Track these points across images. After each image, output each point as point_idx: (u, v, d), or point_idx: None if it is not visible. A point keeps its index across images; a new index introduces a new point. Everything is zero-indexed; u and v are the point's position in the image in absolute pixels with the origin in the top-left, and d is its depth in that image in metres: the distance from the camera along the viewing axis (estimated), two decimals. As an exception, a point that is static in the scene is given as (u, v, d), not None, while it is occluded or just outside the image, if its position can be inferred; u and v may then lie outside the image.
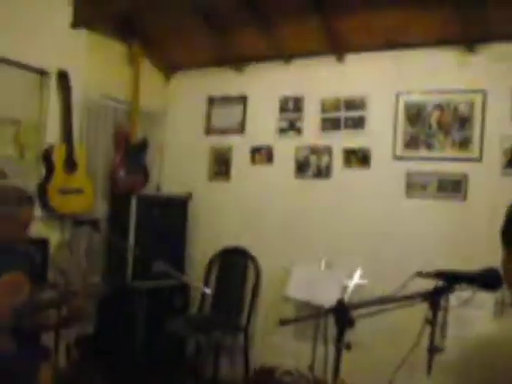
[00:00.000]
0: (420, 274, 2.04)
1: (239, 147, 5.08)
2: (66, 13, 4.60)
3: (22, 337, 2.84)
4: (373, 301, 2.14)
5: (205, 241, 5.14)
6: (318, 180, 4.67)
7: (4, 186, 3.66)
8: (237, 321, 4.75)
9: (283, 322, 2.50)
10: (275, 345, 4.70)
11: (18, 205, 2.86)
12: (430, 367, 2.71)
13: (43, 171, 4.46)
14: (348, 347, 2.15)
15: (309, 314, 4.02)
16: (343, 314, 2.12)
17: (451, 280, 1.94)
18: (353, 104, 4.54)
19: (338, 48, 4.58)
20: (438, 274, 1.95)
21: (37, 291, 3.11)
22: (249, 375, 4.69)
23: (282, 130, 4.86)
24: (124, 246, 4.37)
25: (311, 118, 4.73)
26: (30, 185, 4.31)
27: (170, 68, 5.52)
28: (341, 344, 2.14)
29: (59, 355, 4.20)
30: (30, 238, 3.90)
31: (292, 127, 4.81)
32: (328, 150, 4.63)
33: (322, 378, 3.81)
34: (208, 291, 3.96)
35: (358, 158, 4.49)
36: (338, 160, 4.59)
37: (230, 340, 4.84)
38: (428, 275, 1.96)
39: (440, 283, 1.96)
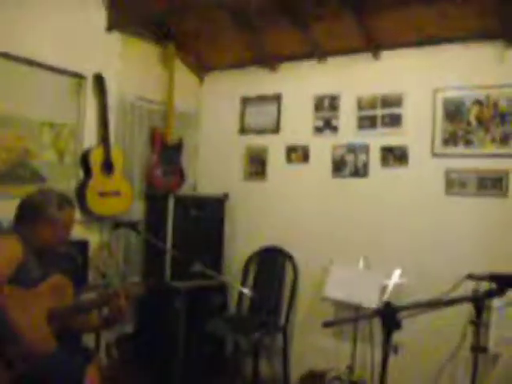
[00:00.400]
0: (471, 277, 2.01)
1: (275, 146, 5.06)
2: (100, 17, 4.65)
3: (65, 339, 2.87)
4: (421, 303, 2.11)
5: (242, 240, 5.15)
6: (355, 179, 4.62)
7: (44, 190, 3.70)
8: (275, 321, 4.74)
9: (327, 324, 2.47)
10: (314, 345, 4.69)
11: (59, 208, 2.89)
12: (474, 368, 2.68)
13: (81, 174, 4.51)
14: (395, 351, 2.12)
15: (354, 316, 3.97)
16: (390, 316, 2.09)
17: (504, 283, 1.90)
18: (389, 101, 4.49)
19: (374, 45, 4.52)
20: (491, 277, 1.91)
21: (79, 293, 3.15)
22: (288, 376, 4.69)
23: (318, 129, 4.83)
24: (162, 246, 4.39)
25: (347, 116, 4.69)
26: (69, 188, 4.37)
27: (203, 68, 5.53)
28: (388, 347, 2.12)
29: (100, 355, 4.28)
30: (71, 241, 3.97)
31: (328, 126, 4.78)
32: (365, 149, 4.58)
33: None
34: (248, 293, 3.96)
35: (396, 156, 4.44)
36: (375, 158, 4.55)
37: (269, 340, 4.84)
38: (480, 278, 1.92)
39: (491, 286, 1.92)
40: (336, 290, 4.22)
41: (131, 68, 4.90)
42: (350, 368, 4.18)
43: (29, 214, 2.85)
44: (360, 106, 4.63)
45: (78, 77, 4.55)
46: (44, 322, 2.72)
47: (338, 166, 4.70)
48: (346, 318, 3.99)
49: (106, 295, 3.07)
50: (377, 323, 2.46)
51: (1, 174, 4.00)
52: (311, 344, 4.71)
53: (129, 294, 3.04)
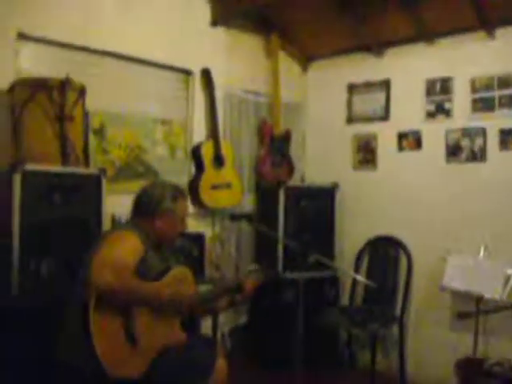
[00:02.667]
0: None
1: (384, 134, 4.94)
2: (205, 13, 4.72)
3: (189, 329, 2.93)
4: None
5: (353, 230, 5.06)
6: (471, 164, 4.43)
7: (158, 183, 3.79)
8: (391, 312, 4.64)
9: (462, 315, 2.38)
10: (431, 336, 4.56)
11: (174, 200, 2.91)
12: None
13: (193, 168, 4.59)
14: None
15: (492, 307, 3.80)
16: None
17: None
18: (508, 81, 4.26)
19: (487, 23, 4.31)
20: None
21: (196, 285, 3.20)
22: (404, 368, 4.58)
23: (430, 114, 4.66)
24: (280, 238, 4.40)
25: (461, 99, 4.50)
26: (181, 182, 4.45)
27: (307, 57, 5.48)
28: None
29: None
30: (186, 234, 4.04)
31: (440, 110, 4.60)
32: (482, 132, 4.38)
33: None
34: (366, 281, 3.89)
35: (517, 138, 4.22)
36: (493, 142, 4.33)
37: (384, 331, 4.73)
38: None
39: None
40: (455, 279, 4.06)
41: (236, 61, 4.93)
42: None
43: (146, 207, 2.88)
44: (474, 87, 4.43)
45: (186, 73, 4.64)
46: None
47: (453, 151, 4.52)
48: (482, 309, 3.81)
49: (237, 284, 3.14)
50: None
51: (118, 170, 4.14)
52: (427, 335, 4.59)
53: (258, 282, 3.18)
